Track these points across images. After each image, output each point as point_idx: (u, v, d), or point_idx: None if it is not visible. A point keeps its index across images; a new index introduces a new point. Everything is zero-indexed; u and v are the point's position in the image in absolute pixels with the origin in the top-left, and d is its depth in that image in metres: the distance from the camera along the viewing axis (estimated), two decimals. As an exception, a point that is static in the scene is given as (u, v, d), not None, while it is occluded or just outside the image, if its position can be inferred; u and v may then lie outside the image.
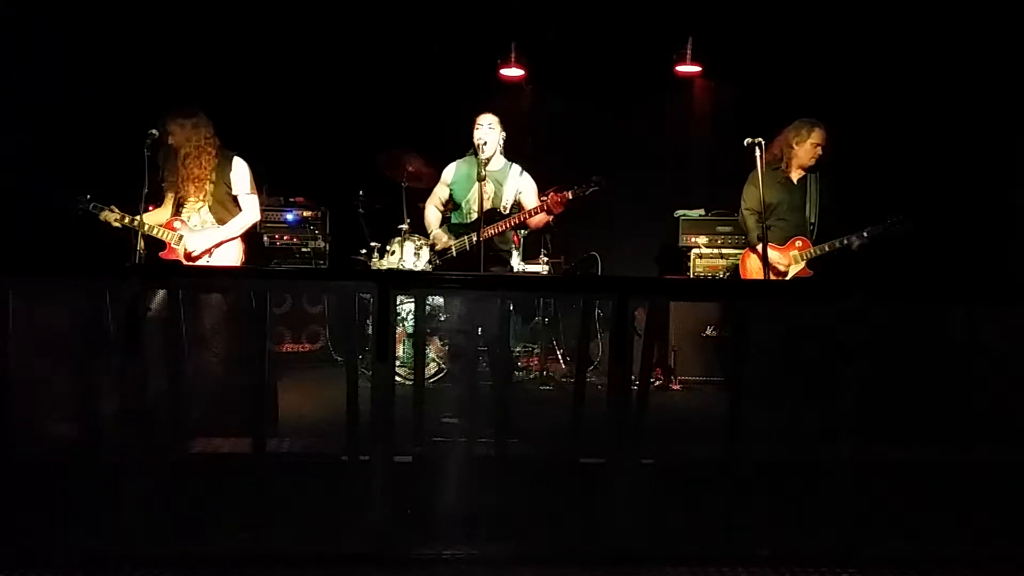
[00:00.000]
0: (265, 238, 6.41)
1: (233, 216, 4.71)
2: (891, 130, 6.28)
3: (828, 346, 3.44)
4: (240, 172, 4.72)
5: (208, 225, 4.68)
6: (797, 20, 6.42)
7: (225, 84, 6.15)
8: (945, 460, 3.44)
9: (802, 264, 4.95)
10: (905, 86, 6.32)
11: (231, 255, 4.71)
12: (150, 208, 4.72)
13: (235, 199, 4.73)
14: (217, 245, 4.66)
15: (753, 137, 4.51)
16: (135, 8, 6.09)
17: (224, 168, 4.68)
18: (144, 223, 4.51)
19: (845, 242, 4.83)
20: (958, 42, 6.14)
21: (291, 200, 6.54)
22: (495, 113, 5.04)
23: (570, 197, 4.66)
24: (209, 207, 4.68)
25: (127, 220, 4.62)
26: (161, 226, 4.65)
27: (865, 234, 4.79)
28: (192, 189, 4.65)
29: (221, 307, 4.50)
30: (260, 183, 5.40)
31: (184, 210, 4.69)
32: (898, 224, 4.77)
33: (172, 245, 4.65)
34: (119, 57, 6.01)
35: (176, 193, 4.69)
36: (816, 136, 4.92)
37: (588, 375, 3.51)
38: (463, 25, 6.61)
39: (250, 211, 4.75)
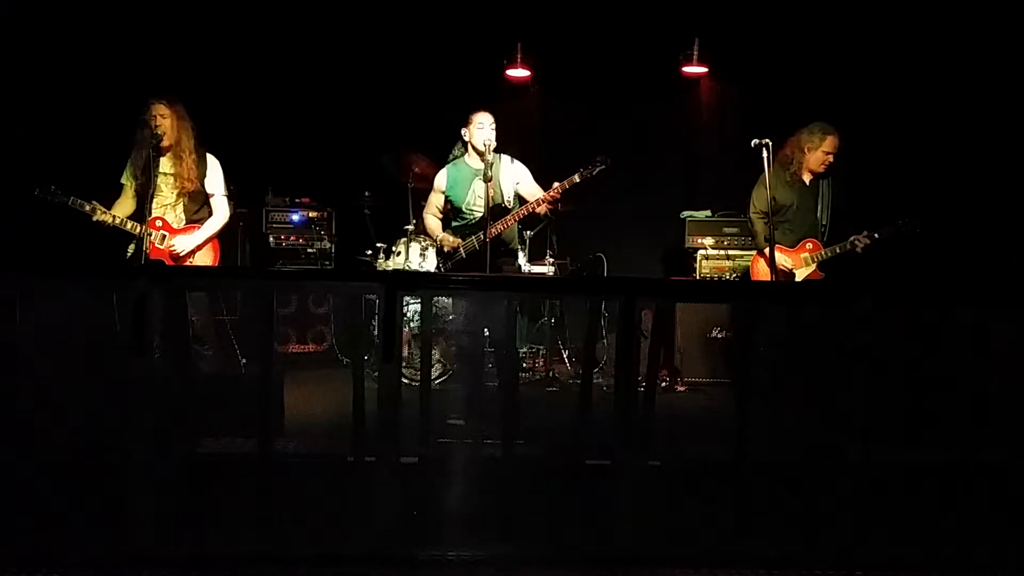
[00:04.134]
0: (271, 239, 6.42)
1: (203, 213, 4.66)
2: (901, 131, 6.26)
3: (835, 348, 3.43)
4: (215, 171, 4.66)
5: (183, 223, 4.63)
6: (804, 20, 6.41)
7: (231, 85, 6.16)
8: (951, 463, 3.42)
9: (813, 267, 4.93)
10: (914, 86, 6.30)
11: (206, 258, 4.67)
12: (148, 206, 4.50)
13: (205, 197, 4.66)
14: (200, 247, 4.62)
15: (760, 138, 4.49)
16: (139, 9, 6.10)
17: (201, 165, 4.60)
18: (116, 216, 4.44)
19: (856, 242, 4.82)
20: (969, 41, 6.12)
21: (297, 201, 6.54)
22: (499, 116, 5.02)
23: (577, 180, 4.64)
24: (184, 205, 4.61)
25: (109, 218, 4.45)
26: (137, 223, 4.45)
27: (876, 235, 4.78)
28: (163, 184, 4.54)
29: (208, 303, 4.51)
30: (266, 183, 5.42)
31: (155, 206, 4.51)
32: (907, 225, 4.76)
33: (156, 245, 4.53)
34: (119, 58, 6.01)
35: (145, 186, 4.42)
36: (828, 144, 4.88)
37: (594, 376, 3.50)
38: (469, 25, 6.60)
39: (222, 211, 4.71)
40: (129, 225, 4.48)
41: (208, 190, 4.65)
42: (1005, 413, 3.41)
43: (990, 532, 3.19)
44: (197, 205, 4.64)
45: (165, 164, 4.54)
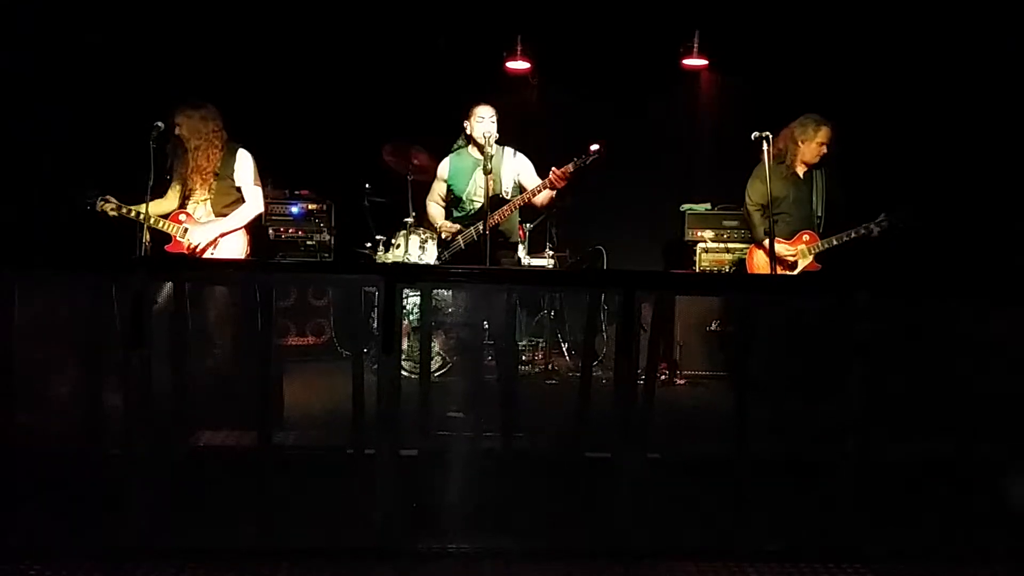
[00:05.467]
0: (270, 231, 6.40)
1: (234, 208, 4.68)
2: (898, 123, 6.24)
3: (835, 341, 3.43)
4: (244, 164, 4.70)
5: (211, 216, 4.67)
6: (804, 13, 6.39)
7: (231, 76, 6.13)
8: (952, 456, 3.42)
9: (810, 258, 4.93)
10: (912, 79, 6.27)
11: (235, 247, 4.69)
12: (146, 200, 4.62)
13: (238, 191, 4.71)
14: (221, 236, 4.64)
15: (760, 131, 4.48)
16: (139, 4, 6.08)
17: (229, 160, 4.66)
18: (148, 214, 4.49)
19: (853, 234, 4.81)
20: (967, 31, 6.09)
21: (296, 193, 6.54)
22: (498, 108, 5.01)
23: (571, 170, 4.62)
24: (211, 200, 4.67)
25: (123, 210, 4.55)
26: (166, 219, 4.62)
27: (873, 225, 4.78)
28: (198, 181, 4.64)
29: (225, 300, 4.51)
30: (266, 176, 5.42)
31: (190, 203, 4.67)
32: (907, 216, 4.75)
33: (177, 238, 4.62)
34: (127, 49, 6.00)
35: (183, 185, 4.67)
36: (822, 135, 4.89)
37: (594, 369, 3.50)
38: (469, 17, 6.58)
39: (253, 203, 4.72)
40: (154, 221, 4.55)
41: (236, 183, 4.69)
42: (1005, 407, 3.41)
43: (990, 525, 3.20)
44: (228, 199, 4.68)
45: (198, 160, 4.62)
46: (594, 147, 4.55)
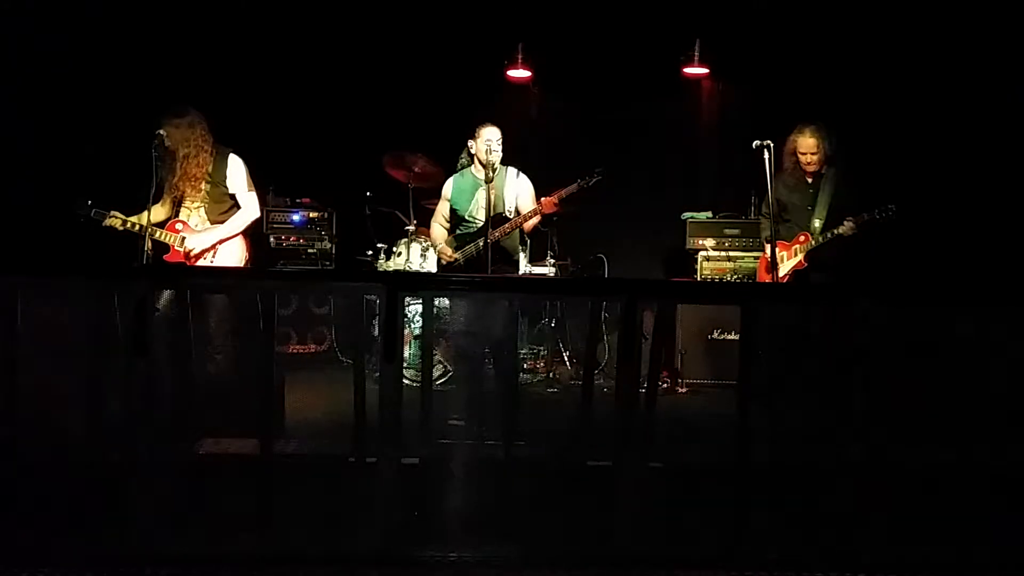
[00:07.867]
0: (271, 239, 6.41)
1: (230, 215, 4.64)
2: (901, 129, 6.24)
3: (835, 349, 3.43)
4: (235, 170, 4.63)
5: (206, 225, 4.63)
6: (805, 20, 6.40)
7: (232, 85, 6.16)
8: (951, 463, 3.42)
9: (799, 257, 4.93)
10: (915, 86, 6.28)
11: (233, 254, 4.65)
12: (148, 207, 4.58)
13: (232, 197, 4.65)
14: (219, 243, 4.61)
15: (762, 139, 4.49)
16: (141, 9, 6.10)
17: (220, 166, 4.60)
18: (150, 224, 4.48)
19: (838, 231, 4.81)
20: (968, 38, 6.11)
21: (297, 201, 6.54)
22: (500, 117, 5.02)
23: (575, 190, 4.65)
24: (206, 208, 4.62)
25: (129, 224, 4.54)
26: (162, 228, 4.57)
27: (852, 222, 4.78)
28: (189, 189, 4.58)
29: (227, 308, 4.51)
30: (267, 184, 5.44)
31: (183, 210, 4.62)
32: (886, 213, 4.75)
33: (175, 247, 4.58)
34: (124, 58, 6.02)
35: (174, 193, 4.60)
36: (802, 145, 4.87)
37: (595, 377, 3.50)
38: (470, 26, 6.60)
39: (249, 208, 4.67)
40: (144, 230, 4.49)
41: (230, 190, 4.64)
42: (1005, 413, 3.41)
43: (990, 533, 3.19)
44: (222, 206, 4.64)
45: (188, 168, 4.57)
46: (597, 169, 4.59)
